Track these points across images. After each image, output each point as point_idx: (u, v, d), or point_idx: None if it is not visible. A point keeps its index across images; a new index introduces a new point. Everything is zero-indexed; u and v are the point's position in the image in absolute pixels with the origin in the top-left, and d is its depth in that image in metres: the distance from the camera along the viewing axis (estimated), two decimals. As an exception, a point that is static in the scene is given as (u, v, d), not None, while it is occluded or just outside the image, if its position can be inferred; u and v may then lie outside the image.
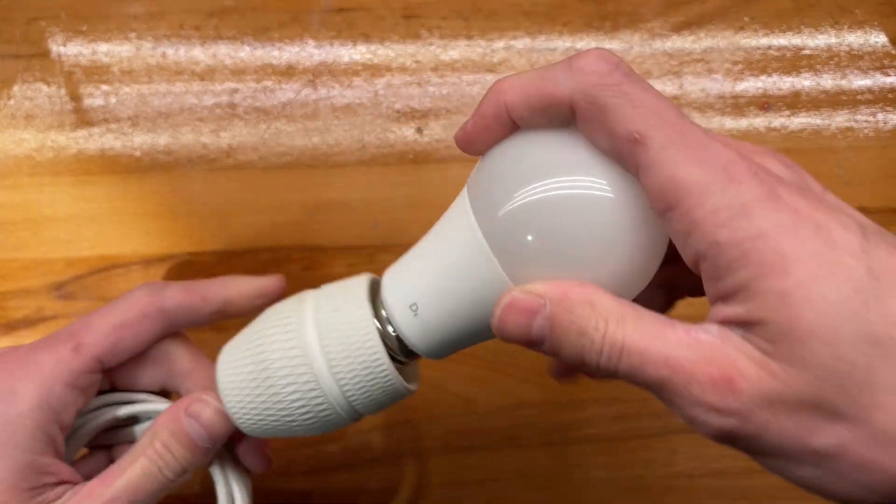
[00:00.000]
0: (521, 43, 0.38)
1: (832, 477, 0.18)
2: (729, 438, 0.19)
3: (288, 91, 0.38)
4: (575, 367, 0.21)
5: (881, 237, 0.18)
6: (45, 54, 0.38)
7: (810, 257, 0.17)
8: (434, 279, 0.24)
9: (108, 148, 0.38)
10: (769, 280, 0.17)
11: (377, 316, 0.26)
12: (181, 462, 0.28)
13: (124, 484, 0.27)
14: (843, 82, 0.39)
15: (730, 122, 0.39)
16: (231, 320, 0.31)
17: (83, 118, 0.38)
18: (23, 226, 0.38)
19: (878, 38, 0.39)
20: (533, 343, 0.21)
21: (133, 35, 0.38)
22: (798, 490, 0.41)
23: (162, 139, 0.38)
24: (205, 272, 0.38)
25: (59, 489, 0.26)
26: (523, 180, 0.22)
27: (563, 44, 0.39)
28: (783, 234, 0.18)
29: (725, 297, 0.19)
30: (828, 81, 0.39)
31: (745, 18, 0.39)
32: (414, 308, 0.24)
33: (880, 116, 0.39)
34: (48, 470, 0.26)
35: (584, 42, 0.39)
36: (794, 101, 0.39)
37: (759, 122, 0.39)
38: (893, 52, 0.39)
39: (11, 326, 0.37)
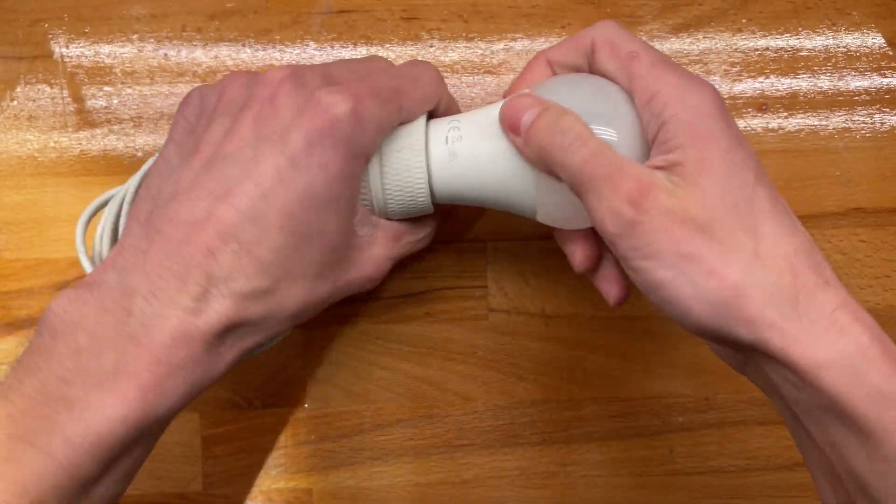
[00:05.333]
0: (521, 44, 0.39)
1: (683, 279, 0.25)
2: (629, 228, 0.25)
3: (289, 92, 0.39)
4: (541, 158, 0.28)
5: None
6: (48, 56, 0.38)
7: (724, 137, 0.26)
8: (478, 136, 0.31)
9: (110, 148, 0.38)
10: (695, 146, 0.26)
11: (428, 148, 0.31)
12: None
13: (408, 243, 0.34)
14: (841, 83, 0.39)
15: (728, 123, 0.39)
16: None
17: (86, 119, 0.38)
18: (26, 226, 0.38)
19: (876, 40, 0.39)
20: (519, 124, 0.29)
21: (135, 37, 0.38)
22: (795, 489, 0.41)
23: (164, 140, 0.38)
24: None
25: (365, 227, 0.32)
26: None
27: (562, 45, 0.39)
28: (713, 121, 0.27)
29: (663, 151, 0.27)
30: (825, 83, 0.39)
31: (743, 20, 0.39)
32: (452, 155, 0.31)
33: (877, 117, 0.39)
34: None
35: (583, 44, 0.39)
36: (792, 103, 0.39)
37: (757, 123, 0.39)
38: (890, 53, 0.39)
39: (15, 326, 0.38)
